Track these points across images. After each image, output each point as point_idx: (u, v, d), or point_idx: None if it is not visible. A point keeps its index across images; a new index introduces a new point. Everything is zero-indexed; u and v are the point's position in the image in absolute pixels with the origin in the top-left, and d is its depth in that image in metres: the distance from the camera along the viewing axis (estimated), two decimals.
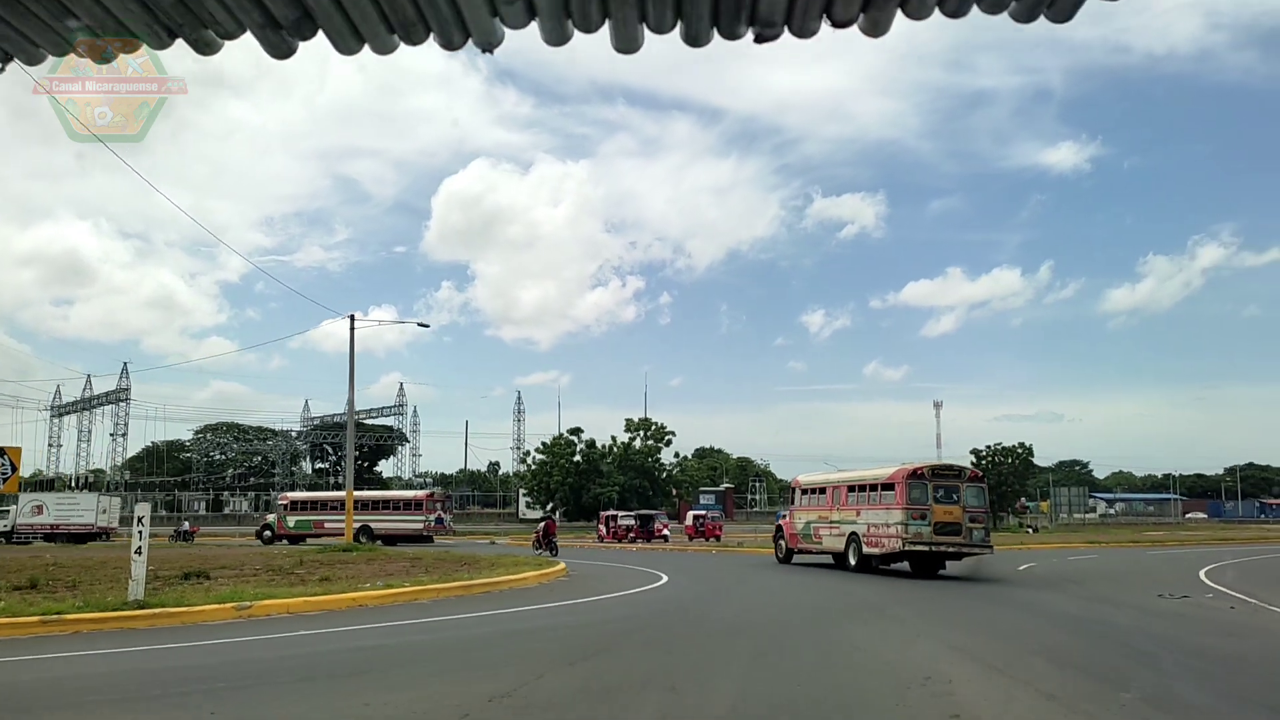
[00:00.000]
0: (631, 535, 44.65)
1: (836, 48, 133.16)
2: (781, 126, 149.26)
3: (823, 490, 24.55)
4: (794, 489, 26.34)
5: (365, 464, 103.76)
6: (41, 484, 69.24)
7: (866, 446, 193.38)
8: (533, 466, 76.50)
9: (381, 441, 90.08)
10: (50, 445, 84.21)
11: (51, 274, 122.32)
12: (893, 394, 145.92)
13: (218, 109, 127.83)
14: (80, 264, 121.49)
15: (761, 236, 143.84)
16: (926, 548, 20.39)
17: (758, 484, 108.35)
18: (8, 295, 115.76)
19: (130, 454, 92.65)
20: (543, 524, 31.94)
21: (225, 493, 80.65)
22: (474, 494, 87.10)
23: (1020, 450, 71.07)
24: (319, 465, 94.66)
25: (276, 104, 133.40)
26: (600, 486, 71.31)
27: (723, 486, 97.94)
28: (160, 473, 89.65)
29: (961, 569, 21.79)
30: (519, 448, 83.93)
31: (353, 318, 29.01)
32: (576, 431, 73.77)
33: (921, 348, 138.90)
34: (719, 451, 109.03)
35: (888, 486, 21.40)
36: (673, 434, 73.74)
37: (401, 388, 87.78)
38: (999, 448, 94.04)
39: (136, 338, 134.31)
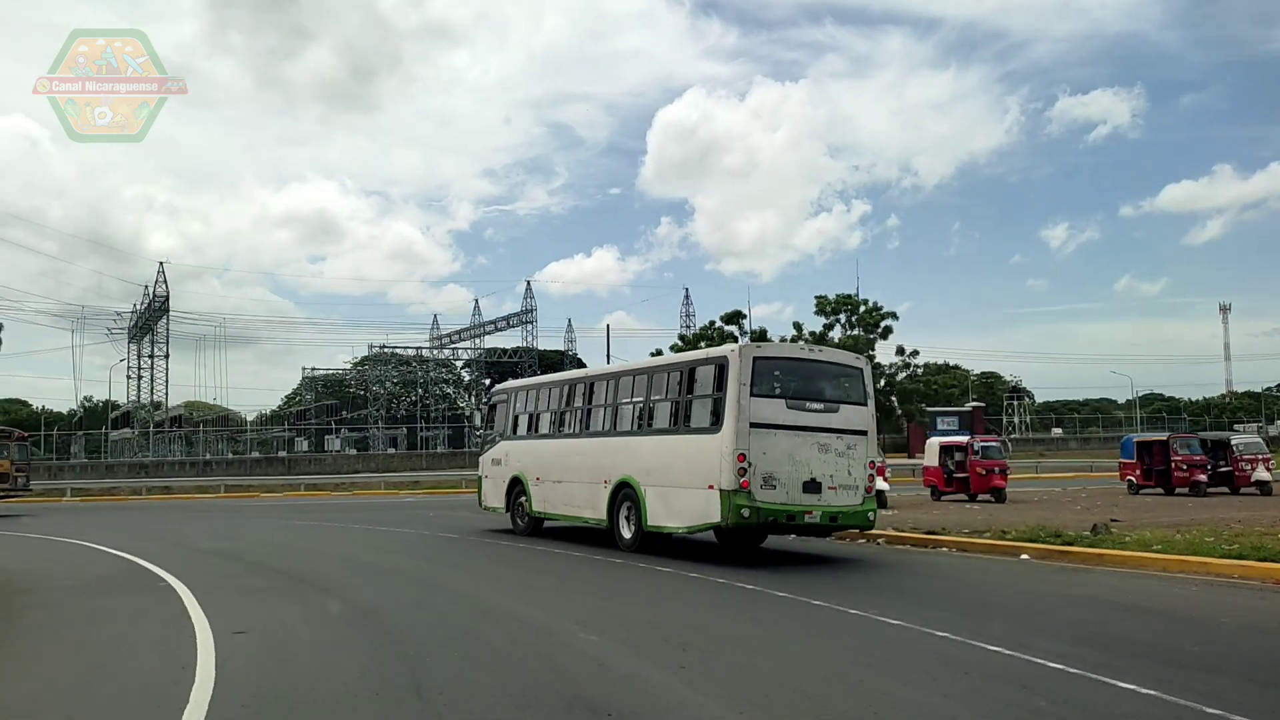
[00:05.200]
0: None
1: None
2: (1005, 30, 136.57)
3: None
4: None
5: None
6: None
7: (1113, 366, 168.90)
8: None
9: (511, 362, 75.29)
10: None
11: (306, 233, 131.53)
12: (1148, 310, 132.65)
13: (440, 60, 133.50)
14: (330, 222, 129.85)
15: (995, 147, 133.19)
16: None
17: (1015, 402, 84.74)
18: (269, 255, 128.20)
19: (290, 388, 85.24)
20: None
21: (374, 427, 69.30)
22: None
23: None
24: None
25: (493, 54, 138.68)
26: None
27: (968, 405, 75.30)
28: (317, 406, 79.49)
29: None
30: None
31: None
32: (736, 318, 52.71)
33: (1183, 257, 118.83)
34: (954, 368, 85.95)
35: None
36: (893, 317, 51.31)
37: (529, 287, 72.81)
38: None
39: (383, 289, 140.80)
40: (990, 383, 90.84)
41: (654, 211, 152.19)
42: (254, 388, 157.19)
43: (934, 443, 26.20)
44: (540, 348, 78.77)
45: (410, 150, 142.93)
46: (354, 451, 61.86)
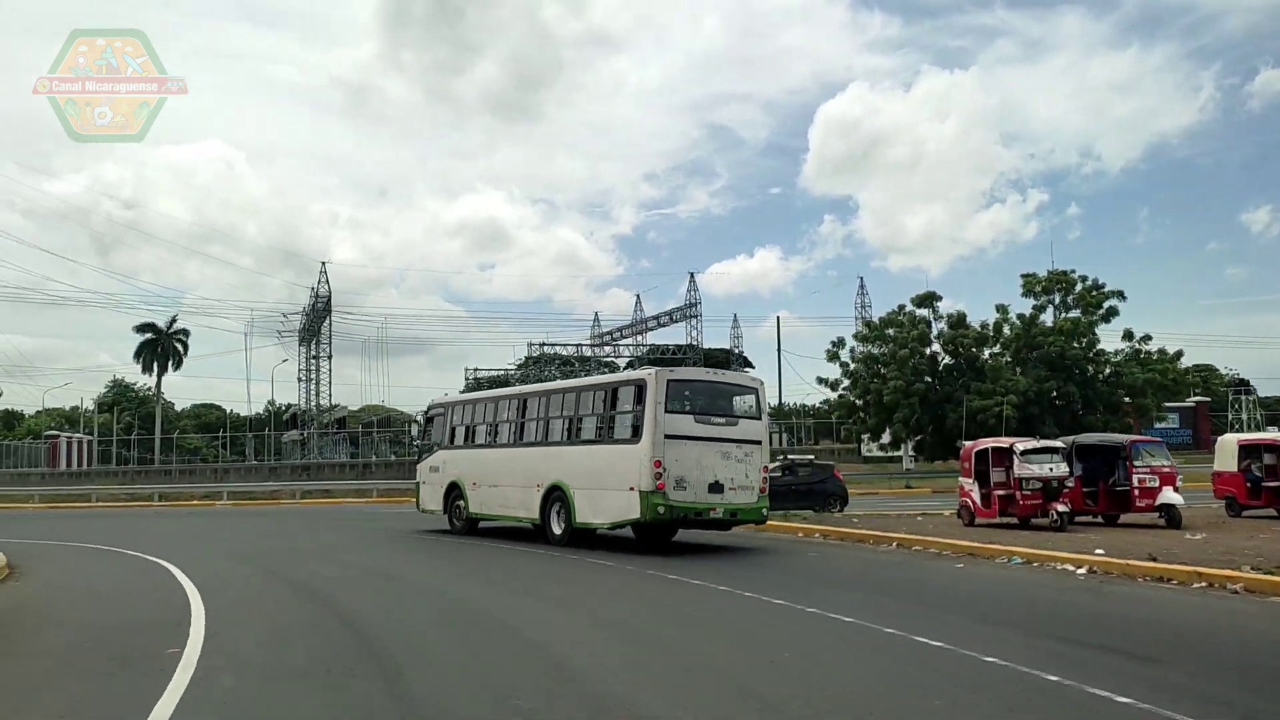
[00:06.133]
0: (1060, 507, 16.34)
1: None
2: (1190, 4, 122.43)
3: None
4: None
5: None
6: None
7: None
8: (851, 366, 46.46)
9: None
10: None
11: (476, 241, 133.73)
12: None
13: (602, 67, 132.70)
14: (498, 230, 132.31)
15: (1187, 127, 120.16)
16: None
17: (1243, 397, 73.75)
18: (442, 263, 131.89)
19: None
20: None
21: None
22: (803, 424, 65.66)
23: None
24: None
25: (653, 58, 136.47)
26: (982, 397, 39.87)
27: (1192, 400, 65.72)
28: None
29: None
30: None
31: None
32: (929, 300, 43.89)
33: None
34: (1178, 355, 75.15)
35: None
36: (1119, 296, 42.44)
37: (692, 279, 69.27)
38: None
39: (549, 294, 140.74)
40: (1204, 376, 79.77)
41: (817, 209, 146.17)
42: (430, 387, 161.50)
43: (1230, 441, 20.14)
44: (705, 345, 75.10)
45: (574, 157, 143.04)
46: None
